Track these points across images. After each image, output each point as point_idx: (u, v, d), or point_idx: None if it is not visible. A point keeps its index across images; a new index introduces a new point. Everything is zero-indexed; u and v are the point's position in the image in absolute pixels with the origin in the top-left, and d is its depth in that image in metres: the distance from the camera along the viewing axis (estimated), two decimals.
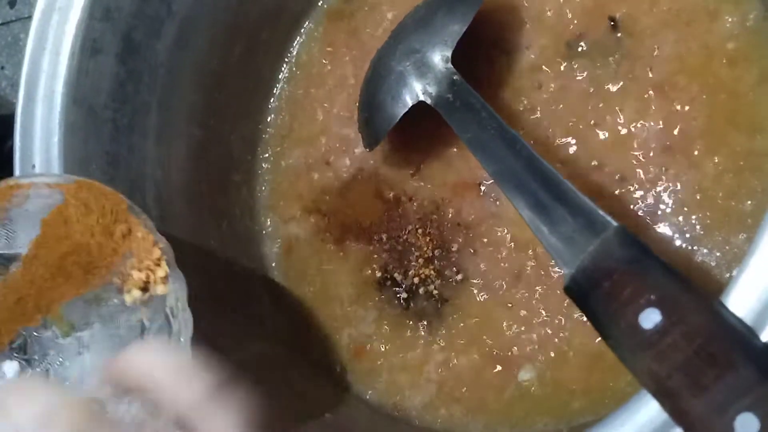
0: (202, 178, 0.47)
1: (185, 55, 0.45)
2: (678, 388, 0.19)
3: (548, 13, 0.39)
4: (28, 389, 0.22)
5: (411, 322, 0.42)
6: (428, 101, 0.36)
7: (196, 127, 0.47)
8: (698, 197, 0.35)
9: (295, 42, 0.50)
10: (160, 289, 0.28)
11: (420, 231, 0.42)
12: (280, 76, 0.50)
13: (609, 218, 0.25)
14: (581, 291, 0.24)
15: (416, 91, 0.36)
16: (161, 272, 0.28)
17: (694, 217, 0.35)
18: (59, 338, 0.28)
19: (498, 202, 0.40)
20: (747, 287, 0.21)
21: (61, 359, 0.29)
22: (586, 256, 0.24)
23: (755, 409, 0.18)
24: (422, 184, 0.43)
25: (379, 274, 0.44)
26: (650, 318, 0.20)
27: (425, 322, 0.42)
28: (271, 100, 0.50)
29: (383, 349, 0.43)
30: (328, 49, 0.48)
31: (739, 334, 0.20)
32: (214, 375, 0.22)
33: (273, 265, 0.48)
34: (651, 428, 0.21)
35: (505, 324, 0.40)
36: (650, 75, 0.36)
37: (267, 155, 0.50)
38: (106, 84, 0.41)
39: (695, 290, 0.21)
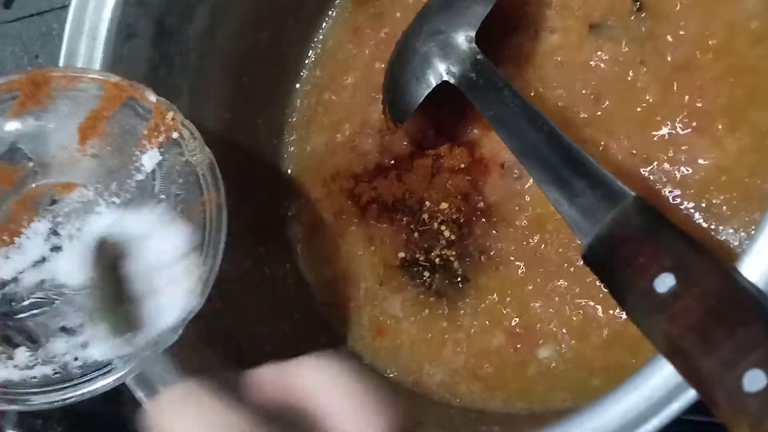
0: (230, 161, 0.48)
1: (215, 40, 0.46)
2: (689, 347, 0.20)
3: None
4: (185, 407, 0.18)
5: (432, 301, 0.43)
6: (452, 81, 0.37)
7: (225, 111, 0.48)
8: (722, 177, 0.35)
9: (322, 27, 0.51)
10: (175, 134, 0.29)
11: (443, 212, 0.43)
12: (306, 61, 0.51)
13: (627, 188, 0.25)
14: (598, 258, 0.24)
15: (440, 71, 0.37)
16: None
17: (717, 196, 0.35)
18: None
19: (520, 182, 0.41)
20: (760, 255, 0.21)
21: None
22: (604, 225, 0.24)
23: (763, 365, 0.18)
24: (445, 165, 0.44)
25: (401, 255, 0.45)
26: (664, 282, 0.21)
27: (446, 301, 0.43)
28: (297, 85, 0.51)
29: (405, 328, 0.44)
30: (354, 33, 0.49)
31: (750, 295, 0.20)
32: (397, 416, 0.18)
33: (298, 247, 0.49)
34: (665, 390, 0.22)
35: (525, 302, 0.40)
36: (674, 54, 0.37)
37: (292, 138, 0.51)
38: (141, 68, 0.42)
39: (709, 255, 0.22)
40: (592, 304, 0.38)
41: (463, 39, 0.36)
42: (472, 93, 0.35)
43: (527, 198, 0.41)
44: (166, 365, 0.35)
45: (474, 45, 0.36)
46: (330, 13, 0.50)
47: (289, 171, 0.51)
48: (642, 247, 0.22)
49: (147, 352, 0.30)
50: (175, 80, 0.44)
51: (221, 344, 0.41)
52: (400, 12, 0.46)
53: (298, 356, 0.45)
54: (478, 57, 0.35)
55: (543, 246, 0.40)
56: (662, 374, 0.22)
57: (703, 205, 0.35)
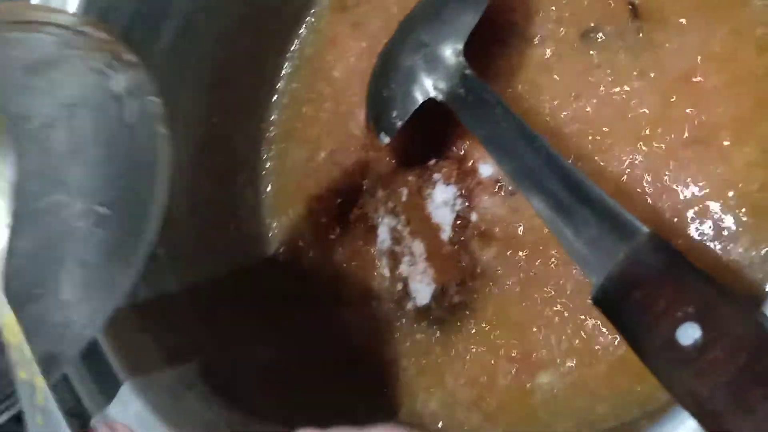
0: (206, 179, 0.46)
1: (184, 54, 0.43)
2: (722, 408, 0.18)
3: (563, 1, 0.37)
4: None
5: (426, 326, 0.41)
6: (440, 97, 0.34)
7: (198, 128, 0.46)
8: (729, 192, 0.33)
9: (298, 36, 0.48)
10: None
11: (433, 233, 0.41)
12: (283, 72, 0.49)
13: (638, 222, 0.23)
14: (611, 302, 0.22)
15: (426, 87, 0.35)
16: None
17: (724, 213, 0.33)
18: None
19: (515, 199, 0.39)
20: None
21: None
22: (616, 264, 0.22)
23: None
24: (435, 181, 0.41)
25: (388, 273, 0.43)
26: (688, 333, 0.19)
27: (441, 327, 0.40)
28: (275, 97, 0.49)
29: (396, 355, 0.41)
30: (332, 42, 0.47)
31: None
32: None
33: (282, 268, 0.46)
34: None
35: (522, 326, 0.38)
36: (674, 64, 0.35)
37: (271, 154, 0.48)
38: None
39: (735, 300, 0.20)
40: (593, 327, 0.36)
41: (450, 52, 0.34)
42: (462, 111, 0.32)
43: (523, 216, 0.38)
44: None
45: (462, 59, 0.34)
46: (307, 21, 0.48)
47: (269, 188, 0.48)
48: (661, 291, 0.20)
49: None
50: None
51: (202, 380, 0.38)
52: (381, 21, 0.44)
53: (288, 380, 0.42)
54: (467, 72, 0.33)
55: (540, 266, 0.38)
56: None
57: (710, 223, 0.33)
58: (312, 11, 0.47)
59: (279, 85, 0.49)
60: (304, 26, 0.48)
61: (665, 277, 0.21)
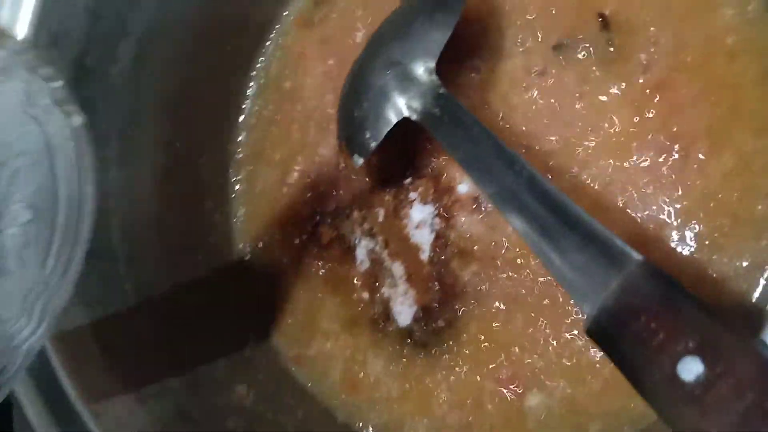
0: (172, 208, 0.44)
1: (145, 76, 0.41)
2: None
3: (532, 13, 0.37)
4: None
5: (409, 348, 0.40)
6: (414, 117, 0.33)
7: (162, 153, 0.44)
8: (708, 203, 0.33)
9: (263, 54, 0.47)
10: None
11: (412, 253, 0.40)
12: (248, 92, 0.47)
13: (628, 248, 0.22)
14: (606, 334, 0.21)
15: (400, 106, 0.33)
16: None
17: (706, 224, 0.33)
18: None
19: (494, 217, 0.38)
20: None
21: None
22: (609, 294, 0.21)
23: None
24: (411, 200, 0.40)
25: (367, 296, 0.41)
26: (690, 368, 0.18)
27: (424, 348, 0.39)
28: (241, 118, 0.47)
29: (381, 380, 0.40)
30: (299, 59, 0.45)
31: None
32: None
33: (256, 296, 0.45)
34: None
35: (508, 346, 0.37)
36: (646, 74, 0.34)
37: (240, 177, 0.47)
38: None
39: (736, 331, 0.19)
40: (579, 344, 0.36)
41: (422, 70, 0.33)
42: (438, 131, 0.31)
43: (502, 234, 0.38)
44: None
45: (435, 77, 0.33)
46: (271, 38, 0.46)
47: (239, 212, 0.46)
48: (659, 323, 0.19)
49: None
50: (101, 126, 0.39)
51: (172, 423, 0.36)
52: (348, 37, 0.42)
53: (267, 418, 0.41)
54: (441, 91, 0.32)
55: (522, 284, 0.37)
56: None
57: (692, 234, 0.33)
58: (276, 28, 0.46)
59: (245, 105, 0.47)
60: (268, 44, 0.46)
61: (662, 309, 0.20)
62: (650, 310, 0.20)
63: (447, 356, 0.39)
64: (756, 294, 0.32)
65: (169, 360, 0.37)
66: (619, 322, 0.21)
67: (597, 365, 0.34)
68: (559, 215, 0.25)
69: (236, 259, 0.46)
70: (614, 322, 0.21)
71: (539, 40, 0.37)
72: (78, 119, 0.25)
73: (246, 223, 0.46)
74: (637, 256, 0.22)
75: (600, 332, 0.22)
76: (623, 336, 0.20)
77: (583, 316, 0.24)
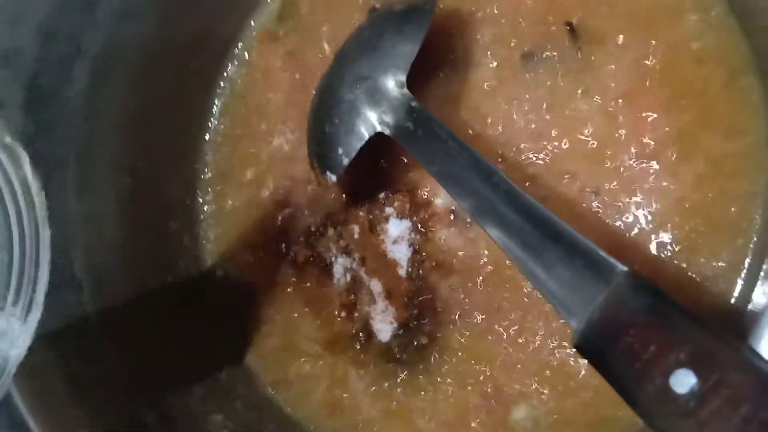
0: (137, 233, 0.42)
1: (104, 96, 0.39)
2: None
3: (501, 23, 0.37)
4: None
5: (391, 369, 0.39)
6: (387, 132, 0.33)
7: (124, 175, 0.42)
8: (682, 206, 0.33)
9: (227, 70, 0.45)
10: None
11: (390, 269, 0.39)
12: (214, 109, 0.46)
13: (613, 259, 0.22)
14: (595, 349, 0.21)
15: (372, 121, 0.33)
16: None
17: (680, 227, 0.33)
18: None
19: (472, 230, 0.37)
20: None
21: None
22: (596, 307, 0.21)
23: None
24: (387, 215, 0.39)
25: (346, 315, 0.40)
26: (683, 380, 0.18)
27: (407, 366, 0.38)
28: (207, 136, 0.46)
29: (363, 401, 0.39)
30: (264, 74, 0.44)
31: None
32: None
33: (230, 320, 0.43)
34: None
35: (491, 360, 0.37)
36: (616, 82, 0.34)
37: (208, 197, 0.45)
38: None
39: (726, 340, 0.19)
40: (562, 355, 0.35)
41: (393, 84, 0.32)
42: (412, 145, 0.31)
43: (480, 246, 0.37)
44: None
45: (406, 90, 0.32)
46: (235, 53, 0.45)
47: (209, 234, 0.45)
48: (648, 336, 0.19)
49: None
50: (58, 150, 0.38)
51: None
52: (315, 51, 0.42)
53: None
54: (413, 104, 0.32)
55: (502, 297, 0.37)
56: None
57: (668, 237, 0.33)
58: (240, 43, 0.44)
59: (210, 122, 0.45)
60: (232, 59, 0.45)
61: (651, 321, 0.20)
62: (639, 324, 0.20)
63: (430, 373, 0.38)
64: (735, 293, 0.32)
65: (140, 392, 0.35)
66: (607, 337, 0.20)
67: (582, 375, 0.34)
68: (540, 228, 0.25)
69: (207, 282, 0.44)
70: (603, 336, 0.21)
71: (508, 49, 0.37)
72: (25, 157, 0.23)
73: (216, 245, 0.44)
74: (622, 267, 0.22)
75: (589, 347, 0.21)
76: (613, 350, 0.20)
77: (569, 331, 0.24)
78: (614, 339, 0.20)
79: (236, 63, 0.45)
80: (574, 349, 0.22)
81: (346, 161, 0.34)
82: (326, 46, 0.41)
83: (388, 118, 0.32)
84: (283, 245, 0.42)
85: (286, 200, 0.43)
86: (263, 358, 0.42)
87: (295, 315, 0.41)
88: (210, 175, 0.45)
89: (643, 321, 0.20)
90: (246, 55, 0.45)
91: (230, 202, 0.44)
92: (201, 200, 0.45)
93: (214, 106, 0.45)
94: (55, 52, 0.36)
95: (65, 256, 0.37)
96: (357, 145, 0.33)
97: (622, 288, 0.21)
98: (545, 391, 0.35)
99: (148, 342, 0.40)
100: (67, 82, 0.37)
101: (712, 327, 0.19)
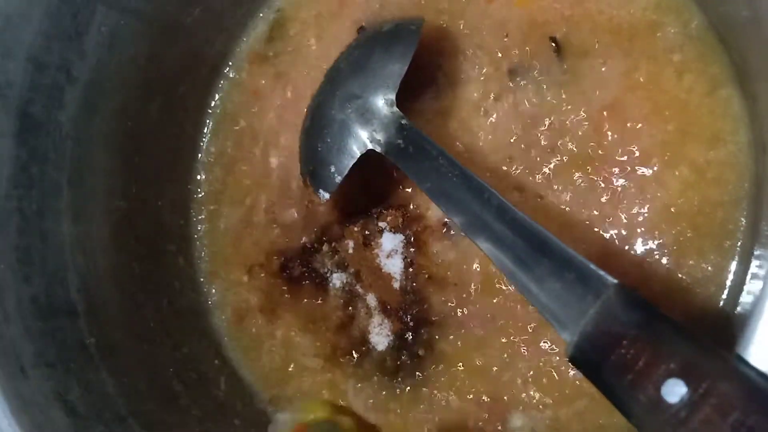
0: (132, 255, 0.42)
1: (95, 122, 0.40)
2: None
3: (487, 39, 0.38)
4: None
5: (389, 381, 0.39)
6: (378, 150, 0.33)
7: (118, 199, 0.42)
8: (669, 214, 0.34)
9: (218, 91, 0.46)
10: None
11: (385, 283, 0.39)
12: (205, 130, 0.46)
13: (603, 273, 0.23)
14: (589, 361, 0.21)
15: (363, 139, 0.33)
16: None
17: (667, 234, 0.34)
18: None
19: (465, 241, 0.38)
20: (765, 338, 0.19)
21: None
22: (588, 320, 0.21)
23: None
24: (381, 230, 0.40)
25: (343, 329, 0.41)
26: (674, 390, 0.18)
27: (403, 377, 0.39)
28: (199, 156, 0.46)
29: (363, 415, 0.39)
30: (255, 95, 0.45)
31: None
32: None
33: (225, 339, 0.43)
34: None
35: (487, 369, 0.37)
36: (601, 94, 0.35)
37: (201, 217, 0.45)
38: (6, 170, 0.35)
39: (714, 350, 0.19)
40: (558, 363, 0.36)
41: (383, 103, 0.33)
42: (403, 163, 0.31)
43: (473, 258, 0.38)
44: None
45: (396, 109, 0.33)
46: (225, 74, 0.46)
47: (203, 253, 0.45)
48: (639, 348, 0.19)
49: None
50: (51, 177, 0.38)
51: None
52: (304, 70, 0.42)
53: None
54: (403, 122, 0.32)
55: (496, 307, 0.37)
56: None
57: (656, 244, 0.34)
58: (230, 64, 0.45)
59: (203, 143, 0.46)
60: (223, 80, 0.45)
61: (641, 333, 0.20)
62: (630, 336, 0.20)
63: (428, 384, 0.38)
64: (724, 296, 0.33)
65: (140, 421, 0.35)
66: (600, 349, 0.21)
67: (578, 383, 0.35)
68: (531, 243, 0.25)
69: (203, 302, 0.45)
70: (595, 348, 0.21)
71: (495, 65, 0.37)
72: None
73: (211, 265, 0.45)
74: (611, 280, 0.23)
75: (582, 359, 0.22)
76: (605, 362, 0.21)
77: (562, 345, 0.24)
78: (607, 351, 0.21)
79: (227, 84, 0.46)
80: (569, 362, 0.23)
81: (338, 179, 0.35)
82: (315, 65, 0.42)
83: (379, 136, 0.33)
84: (278, 262, 0.42)
85: (279, 218, 0.43)
86: (262, 375, 0.42)
87: (293, 331, 0.42)
88: (203, 194, 0.45)
89: (634, 334, 0.20)
90: (236, 76, 0.45)
91: (224, 221, 0.45)
92: (195, 220, 0.45)
93: (206, 127, 0.46)
94: (46, 81, 0.37)
95: (61, 283, 0.37)
96: (349, 163, 0.34)
97: (613, 301, 0.22)
98: (541, 400, 0.36)
99: (145, 365, 0.40)
100: (58, 110, 0.38)
101: (700, 337, 0.20)
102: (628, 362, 0.20)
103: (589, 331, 0.21)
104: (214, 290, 0.44)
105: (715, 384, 0.18)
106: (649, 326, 0.20)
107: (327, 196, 0.36)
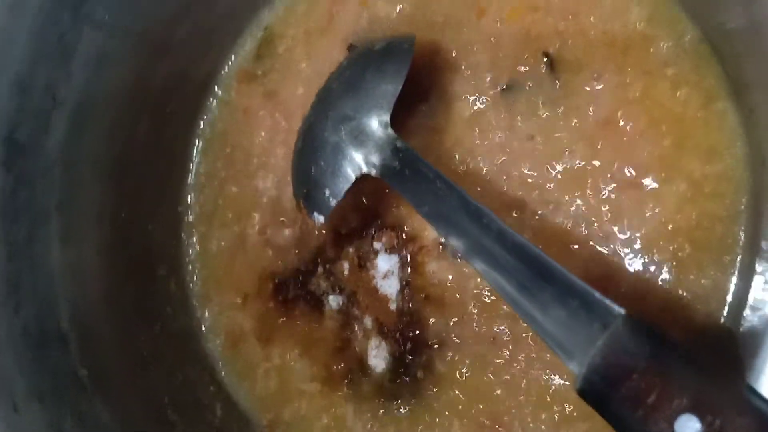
0: (123, 280, 0.41)
1: (83, 145, 0.39)
2: None
3: (480, 56, 0.37)
4: None
5: (387, 404, 0.38)
6: (373, 173, 0.32)
7: (107, 223, 0.41)
8: (667, 229, 0.33)
9: (207, 111, 0.45)
10: None
11: (382, 304, 0.39)
12: (195, 150, 0.45)
13: (608, 302, 0.22)
14: (598, 394, 0.21)
15: (358, 162, 0.33)
16: None
17: (666, 250, 0.34)
18: None
19: (461, 263, 0.37)
20: None
21: None
22: (596, 352, 0.21)
23: None
24: (376, 251, 0.39)
25: (340, 352, 0.40)
26: (688, 426, 0.18)
27: (402, 400, 0.38)
28: (189, 178, 0.45)
29: None
30: (245, 114, 0.44)
31: None
32: None
33: (219, 364, 0.42)
34: None
35: (487, 390, 0.37)
36: (595, 110, 0.35)
37: (192, 240, 0.44)
38: None
39: (725, 382, 0.19)
40: (559, 384, 0.35)
41: (377, 125, 0.32)
42: (400, 186, 0.31)
43: (470, 279, 0.37)
44: None
45: (390, 131, 0.32)
46: (214, 94, 0.45)
47: (195, 277, 0.44)
48: (650, 381, 0.19)
49: None
50: (39, 203, 0.37)
51: None
52: (294, 89, 0.41)
53: None
54: (398, 144, 0.32)
55: (494, 328, 0.37)
56: None
57: (655, 260, 0.34)
58: (218, 84, 0.44)
59: (192, 164, 0.45)
60: (211, 100, 0.45)
61: (652, 366, 0.20)
62: (640, 369, 0.20)
63: (427, 406, 0.38)
64: (724, 313, 0.32)
65: None
66: (610, 381, 0.21)
67: (579, 404, 0.34)
68: (533, 268, 0.25)
69: (197, 326, 0.44)
70: (605, 381, 0.21)
71: (488, 82, 0.37)
72: None
73: (204, 288, 0.44)
74: (618, 310, 0.22)
75: (591, 391, 0.21)
76: (616, 395, 0.20)
77: (562, 366, 0.24)
78: (616, 384, 0.20)
79: (216, 104, 0.45)
80: (578, 395, 0.22)
81: (333, 202, 0.34)
82: (305, 84, 0.41)
83: (375, 159, 0.32)
84: (272, 285, 0.42)
85: (272, 239, 0.42)
86: (259, 400, 0.42)
87: (288, 355, 0.41)
88: (194, 217, 0.45)
89: (644, 366, 0.20)
90: (225, 95, 0.45)
91: (215, 244, 0.44)
92: (186, 243, 0.45)
93: (195, 148, 0.45)
94: (32, 105, 0.36)
95: (52, 311, 0.36)
96: (344, 186, 0.33)
97: (621, 332, 0.21)
98: (542, 421, 0.35)
99: (139, 392, 0.39)
100: (45, 134, 0.37)
101: (710, 366, 0.20)
102: (640, 396, 0.19)
103: (597, 363, 0.21)
104: (207, 314, 0.44)
105: (729, 419, 0.18)
106: (659, 357, 0.20)
107: (322, 219, 0.35)
